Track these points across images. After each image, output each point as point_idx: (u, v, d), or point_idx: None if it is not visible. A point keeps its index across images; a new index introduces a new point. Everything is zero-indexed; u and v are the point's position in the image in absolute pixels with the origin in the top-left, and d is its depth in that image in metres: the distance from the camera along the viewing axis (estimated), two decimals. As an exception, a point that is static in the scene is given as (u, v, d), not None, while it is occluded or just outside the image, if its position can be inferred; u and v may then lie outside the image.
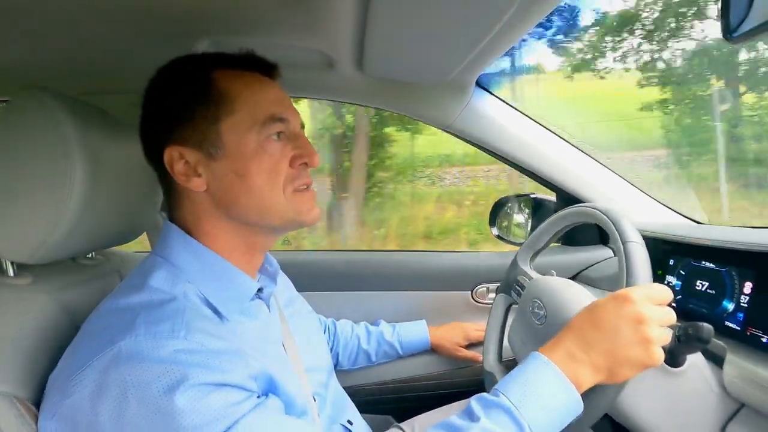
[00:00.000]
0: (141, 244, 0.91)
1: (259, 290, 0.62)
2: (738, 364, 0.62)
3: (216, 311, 0.54)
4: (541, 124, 1.02)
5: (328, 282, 1.16)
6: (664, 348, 0.66)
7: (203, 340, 0.48)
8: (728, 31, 0.43)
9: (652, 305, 0.53)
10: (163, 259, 0.56)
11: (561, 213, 0.79)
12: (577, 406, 0.52)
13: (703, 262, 0.76)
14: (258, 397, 0.50)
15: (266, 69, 0.61)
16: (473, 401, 0.53)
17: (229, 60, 0.59)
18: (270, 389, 0.53)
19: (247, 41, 0.74)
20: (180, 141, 0.55)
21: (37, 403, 0.49)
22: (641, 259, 0.58)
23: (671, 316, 0.54)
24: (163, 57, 0.59)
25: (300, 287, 0.87)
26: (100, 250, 0.77)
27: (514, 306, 0.86)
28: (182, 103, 0.55)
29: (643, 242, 0.60)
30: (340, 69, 0.86)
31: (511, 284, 0.85)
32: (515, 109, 1.01)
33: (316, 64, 0.85)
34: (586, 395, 0.53)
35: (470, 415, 0.52)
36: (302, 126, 0.62)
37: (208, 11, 0.66)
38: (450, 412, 0.57)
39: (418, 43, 0.69)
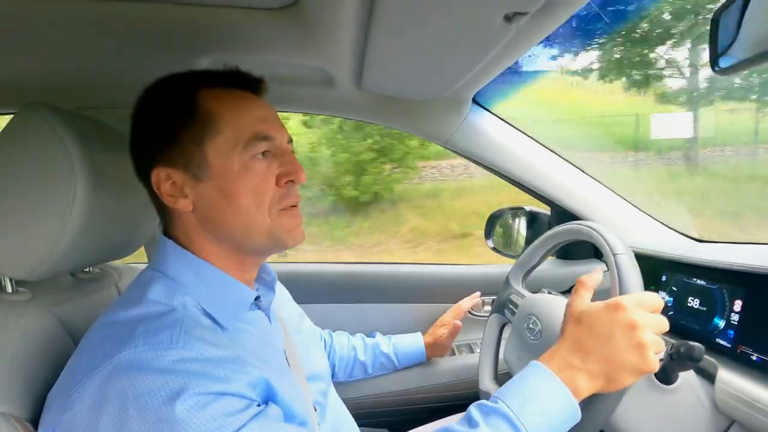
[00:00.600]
0: (136, 256, 0.91)
1: (257, 299, 0.62)
2: (728, 382, 0.63)
3: (215, 321, 0.55)
4: (536, 140, 1.04)
5: (325, 294, 1.16)
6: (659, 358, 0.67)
7: (202, 348, 0.48)
8: (715, 63, 0.45)
9: (644, 312, 0.54)
10: (160, 273, 0.56)
11: (550, 232, 0.80)
12: (575, 414, 0.53)
13: (695, 280, 0.78)
14: (258, 405, 0.50)
15: (252, 85, 0.61)
16: (473, 408, 0.54)
17: (214, 78, 0.58)
18: (269, 397, 0.53)
19: (247, 58, 0.76)
20: (166, 162, 0.55)
21: (35, 421, 0.49)
22: (631, 270, 0.60)
23: (664, 323, 0.55)
24: (163, 73, 0.59)
25: (297, 299, 0.87)
26: (98, 264, 0.77)
27: (507, 325, 0.86)
28: (167, 124, 0.56)
29: (632, 254, 0.62)
30: (340, 85, 0.87)
31: (504, 303, 0.86)
32: (511, 125, 1.02)
33: (316, 81, 0.87)
34: (584, 406, 0.54)
35: (469, 422, 0.52)
36: (290, 140, 0.62)
37: (209, 29, 0.67)
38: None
39: (417, 61, 0.71)
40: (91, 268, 0.75)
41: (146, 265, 0.62)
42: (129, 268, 0.87)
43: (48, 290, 0.62)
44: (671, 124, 5.96)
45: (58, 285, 0.65)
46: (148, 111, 0.58)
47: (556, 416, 0.52)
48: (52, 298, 0.62)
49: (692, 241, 1.03)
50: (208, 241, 0.58)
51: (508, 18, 0.50)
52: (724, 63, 0.44)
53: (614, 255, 0.62)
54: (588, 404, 0.55)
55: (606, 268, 1.13)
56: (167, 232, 0.60)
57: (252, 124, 0.57)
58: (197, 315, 0.54)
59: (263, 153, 0.57)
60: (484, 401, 0.54)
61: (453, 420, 0.55)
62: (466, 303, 1.09)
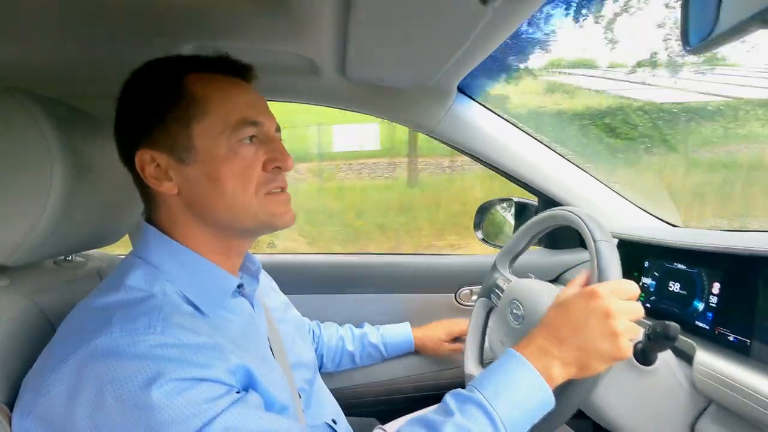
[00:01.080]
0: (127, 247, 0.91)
1: (241, 286, 0.62)
2: (706, 362, 0.64)
3: (196, 308, 0.55)
4: (522, 129, 1.04)
5: (313, 285, 1.16)
6: (635, 347, 0.68)
7: (180, 335, 0.48)
8: (686, 42, 0.45)
9: (619, 300, 0.55)
10: (141, 259, 0.56)
11: (535, 218, 0.80)
12: (548, 401, 0.54)
13: (676, 264, 0.79)
14: (237, 392, 0.50)
15: (241, 72, 0.61)
16: (448, 396, 0.55)
17: (202, 63, 0.59)
18: (249, 384, 0.54)
19: (230, 45, 0.75)
20: (151, 144, 0.55)
21: (11, 404, 0.49)
22: (610, 257, 0.60)
23: (639, 310, 0.56)
24: (145, 60, 0.59)
25: (284, 290, 0.87)
26: (80, 252, 0.77)
27: (494, 310, 0.87)
28: (154, 106, 0.55)
29: (612, 241, 0.62)
30: (324, 74, 0.87)
31: (490, 288, 0.86)
32: (497, 114, 1.03)
33: (300, 69, 0.87)
34: (558, 392, 0.55)
35: (445, 411, 0.53)
36: (278, 129, 0.62)
37: (193, 16, 0.67)
38: None
39: (397, 49, 0.71)
40: (74, 256, 0.75)
41: None
42: (113, 257, 0.87)
43: (27, 278, 0.62)
44: (355, 134, 5.44)
45: (38, 273, 0.65)
46: (134, 92, 0.58)
47: (530, 404, 0.53)
48: (33, 286, 0.62)
49: (672, 227, 1.04)
50: (193, 226, 0.58)
51: (484, 0, 0.50)
52: (694, 41, 0.44)
53: (594, 242, 0.62)
54: (561, 391, 0.55)
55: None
56: (150, 218, 0.60)
57: (240, 108, 0.57)
58: (178, 302, 0.54)
59: (250, 138, 0.57)
60: (459, 390, 0.55)
61: (431, 409, 0.55)
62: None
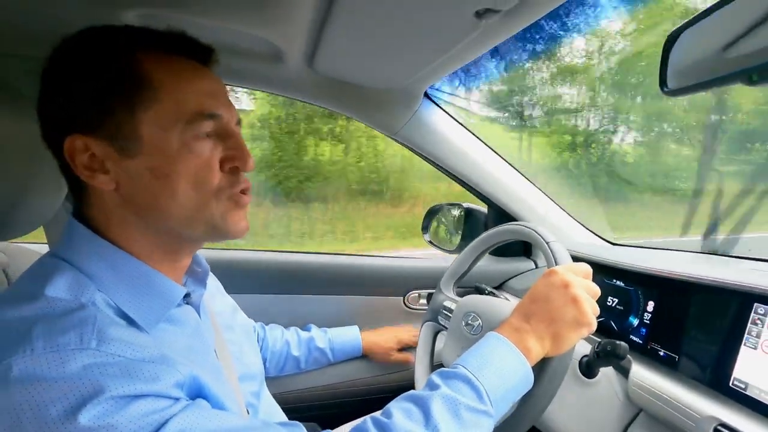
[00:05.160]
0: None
1: (187, 295, 0.56)
2: (640, 375, 0.70)
3: (132, 322, 0.47)
4: (482, 141, 1.06)
5: (257, 284, 1.09)
6: (581, 361, 0.72)
7: (120, 349, 0.41)
8: (664, 84, 0.47)
9: (576, 275, 0.61)
10: (64, 262, 0.47)
11: (484, 235, 0.85)
12: (528, 377, 0.56)
13: (615, 281, 0.85)
14: (186, 401, 0.44)
15: (200, 54, 0.53)
16: (433, 375, 0.55)
17: (155, 39, 0.50)
18: (200, 396, 0.48)
19: (184, 19, 0.67)
20: (85, 129, 0.46)
21: None
22: (563, 251, 0.68)
23: (595, 287, 0.61)
24: (77, 23, 0.49)
25: (227, 288, 0.80)
26: None
27: (441, 333, 0.88)
28: (91, 84, 0.46)
29: (562, 243, 0.69)
30: (289, 63, 0.81)
31: (437, 311, 0.87)
32: (459, 123, 1.03)
33: (262, 55, 0.79)
34: (537, 370, 0.58)
35: (431, 386, 0.54)
36: (239, 122, 0.55)
37: None
38: None
39: (377, 48, 0.68)
40: None
41: (45, 247, 0.52)
42: (21, 249, 0.74)
43: None
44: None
45: None
46: (67, 65, 0.47)
47: (511, 376, 0.55)
48: None
49: (609, 244, 1.13)
50: (131, 227, 0.50)
51: (479, 14, 0.49)
52: (672, 84, 0.46)
53: (547, 243, 0.69)
54: (539, 371, 0.58)
55: (534, 267, 1.22)
56: (79, 212, 0.51)
57: (198, 98, 0.49)
58: (111, 315, 0.46)
59: (207, 133, 0.50)
60: (444, 369, 0.56)
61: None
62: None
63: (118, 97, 0.46)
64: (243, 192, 0.53)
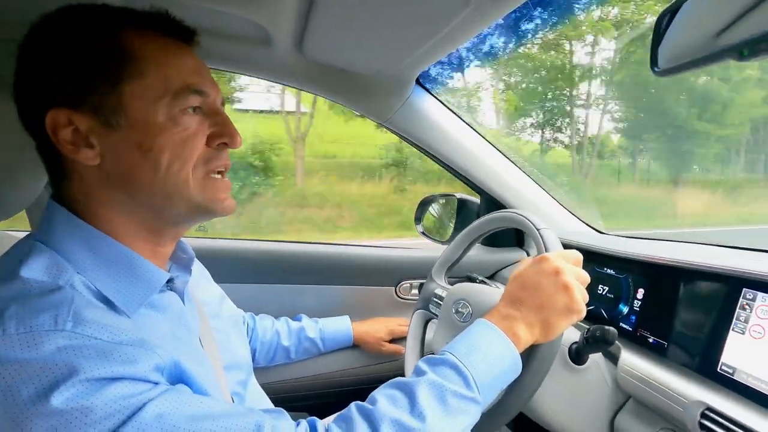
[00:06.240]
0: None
1: (170, 280, 0.55)
2: (629, 362, 0.70)
3: (113, 307, 0.46)
4: (474, 129, 1.05)
5: (248, 273, 1.08)
6: (570, 348, 0.72)
7: (96, 332, 0.40)
8: (655, 63, 0.47)
9: (566, 262, 0.60)
10: (42, 244, 0.46)
11: (476, 222, 0.83)
12: (516, 364, 0.56)
13: (605, 269, 0.85)
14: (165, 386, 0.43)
15: (183, 34, 0.52)
16: (420, 362, 0.55)
17: (138, 18, 0.49)
18: (182, 381, 0.47)
19: (170, -1, 0.65)
20: (69, 103, 0.46)
21: None
22: (554, 238, 0.68)
23: (585, 274, 0.61)
24: (55, 5, 0.48)
25: (216, 278, 0.79)
26: None
27: (431, 321, 0.88)
28: (75, 60, 0.46)
29: (553, 230, 0.69)
30: (277, 47, 0.79)
31: (428, 299, 0.87)
32: (451, 111, 1.02)
33: (250, 39, 0.78)
34: (525, 356, 0.57)
35: (417, 373, 0.53)
36: (223, 103, 0.55)
37: None
38: None
39: (366, 32, 0.66)
40: None
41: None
42: (6, 236, 0.72)
43: None
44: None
45: None
46: (48, 42, 0.46)
47: (500, 364, 0.54)
48: None
49: (598, 233, 1.13)
50: (115, 207, 0.49)
51: (469, -8, 0.48)
52: (663, 64, 0.46)
53: (538, 230, 0.69)
54: (527, 358, 0.58)
55: (526, 256, 1.21)
56: (59, 195, 0.50)
57: (183, 73, 0.49)
58: (89, 297, 0.44)
59: (194, 108, 0.49)
60: (431, 355, 0.56)
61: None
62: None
63: (102, 72, 0.46)
64: (220, 173, 0.53)
